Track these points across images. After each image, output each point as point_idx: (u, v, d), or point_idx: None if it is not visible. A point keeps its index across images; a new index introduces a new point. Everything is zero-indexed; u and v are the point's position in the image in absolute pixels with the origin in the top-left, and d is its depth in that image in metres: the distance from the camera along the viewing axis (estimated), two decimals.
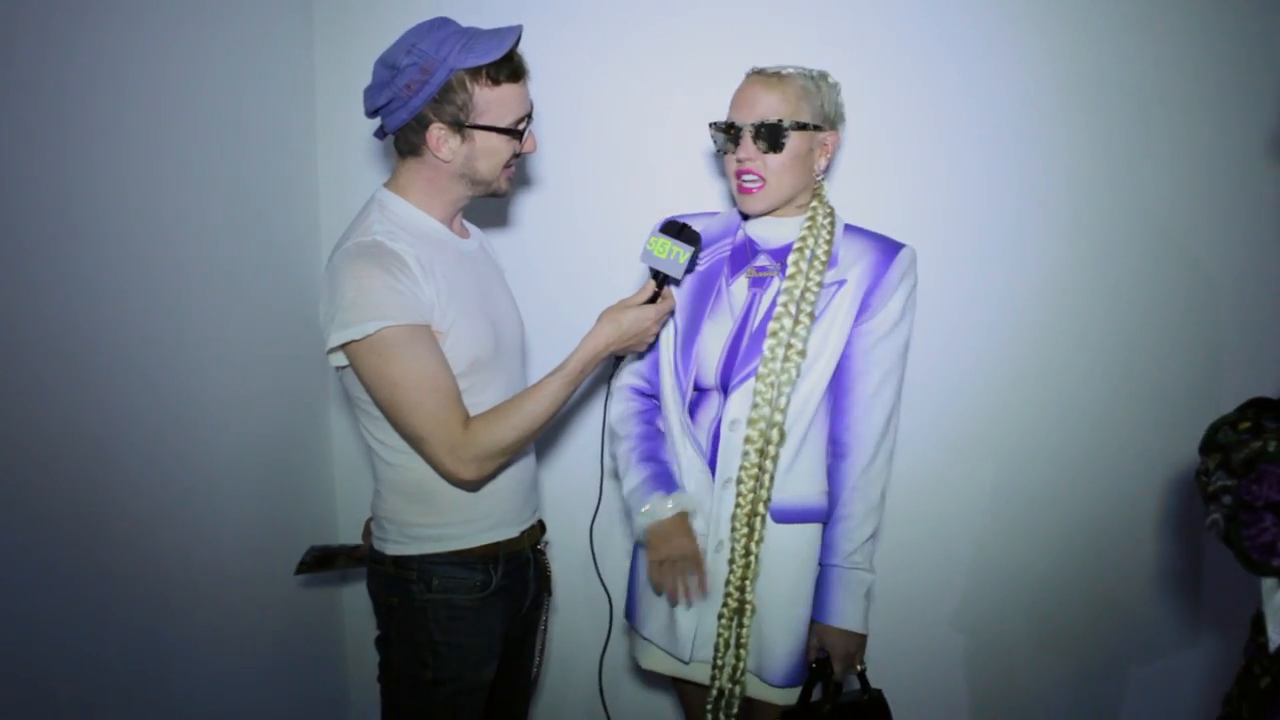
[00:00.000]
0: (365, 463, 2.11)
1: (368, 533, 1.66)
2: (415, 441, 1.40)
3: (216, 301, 1.81)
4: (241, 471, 1.90)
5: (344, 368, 1.43)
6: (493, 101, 1.41)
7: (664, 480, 1.58)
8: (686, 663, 1.61)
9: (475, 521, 1.50)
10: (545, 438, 2.16)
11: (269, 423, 2.01)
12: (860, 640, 1.57)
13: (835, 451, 1.58)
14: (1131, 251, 1.98)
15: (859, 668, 1.60)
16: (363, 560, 1.70)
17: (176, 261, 1.70)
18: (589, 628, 2.16)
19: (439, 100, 1.38)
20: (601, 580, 1.74)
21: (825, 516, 1.58)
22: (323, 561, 1.81)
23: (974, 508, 2.11)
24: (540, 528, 1.66)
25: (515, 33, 1.40)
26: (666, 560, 1.52)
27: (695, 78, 2.00)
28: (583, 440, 2.21)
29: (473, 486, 1.47)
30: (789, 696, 1.58)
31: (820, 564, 1.58)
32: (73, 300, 1.45)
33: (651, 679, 2.27)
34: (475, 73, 1.38)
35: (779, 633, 1.55)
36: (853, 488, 1.55)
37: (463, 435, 1.37)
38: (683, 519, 1.54)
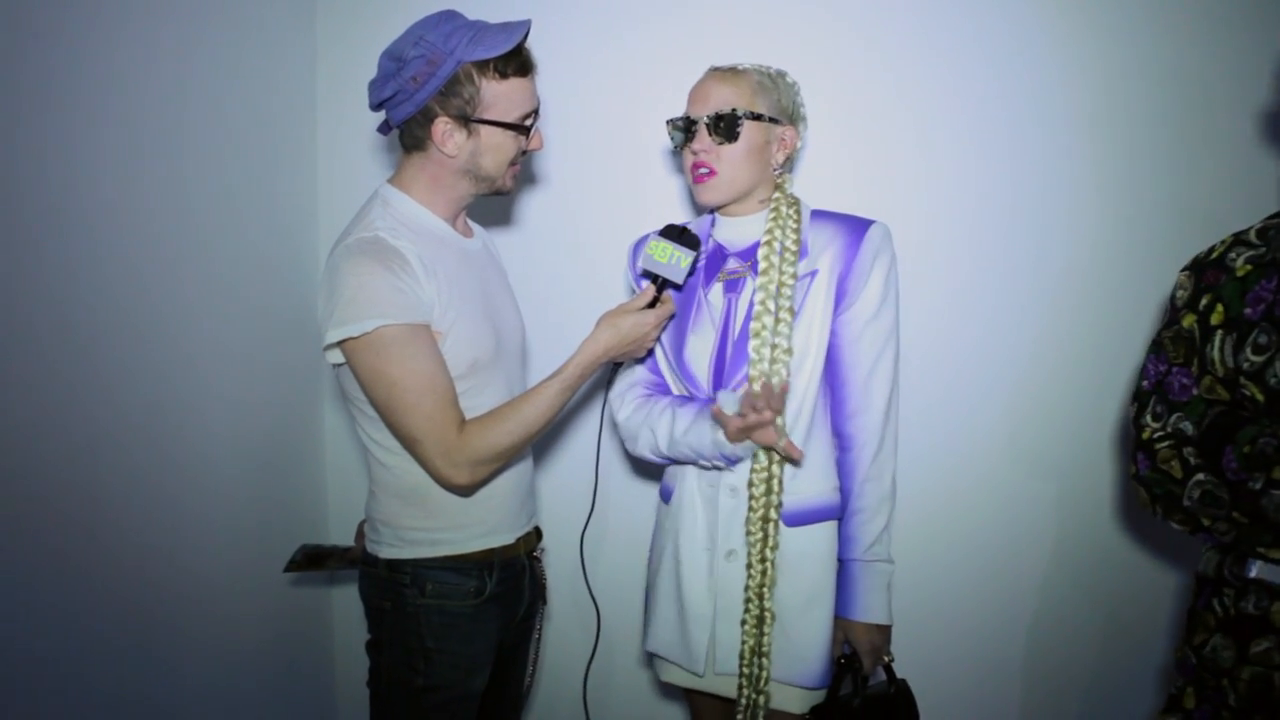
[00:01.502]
0: (359, 463, 2.09)
1: (360, 535, 1.63)
2: (409, 443, 1.38)
3: (209, 299, 1.80)
4: (232, 471, 1.88)
5: (341, 365, 1.41)
6: (500, 95, 1.39)
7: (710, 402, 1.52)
8: (701, 675, 1.58)
9: (471, 526, 1.48)
10: (540, 444, 2.14)
11: (261, 422, 1.99)
12: (886, 632, 1.56)
13: (840, 445, 1.56)
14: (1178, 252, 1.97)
15: (886, 659, 1.59)
16: (355, 562, 1.67)
17: (169, 259, 1.68)
18: (580, 638, 2.14)
19: (445, 93, 1.36)
20: (590, 591, 1.72)
21: (839, 512, 1.56)
22: (313, 560, 1.78)
23: (1001, 498, 2.08)
24: (536, 534, 1.64)
25: (524, 27, 1.39)
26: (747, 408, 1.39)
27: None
28: (577, 448, 2.19)
29: (466, 491, 1.44)
30: (808, 701, 1.56)
31: (840, 559, 1.55)
32: (63, 296, 1.44)
33: (641, 693, 2.24)
34: (483, 66, 1.37)
35: (808, 636, 1.53)
36: (864, 479, 1.53)
37: (457, 439, 1.35)
38: None
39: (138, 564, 1.60)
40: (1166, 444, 1.28)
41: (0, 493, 1.32)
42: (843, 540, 1.56)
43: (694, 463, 1.55)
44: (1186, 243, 1.94)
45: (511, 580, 1.53)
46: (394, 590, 1.46)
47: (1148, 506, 1.33)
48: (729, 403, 1.42)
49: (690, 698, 1.73)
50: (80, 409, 1.47)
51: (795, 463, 1.48)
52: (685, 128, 1.53)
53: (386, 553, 1.47)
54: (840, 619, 1.55)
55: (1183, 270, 1.36)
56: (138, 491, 1.60)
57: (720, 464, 1.51)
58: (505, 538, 1.52)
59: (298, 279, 2.09)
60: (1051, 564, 2.08)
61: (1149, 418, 1.31)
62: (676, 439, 1.52)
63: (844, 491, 1.56)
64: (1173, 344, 1.31)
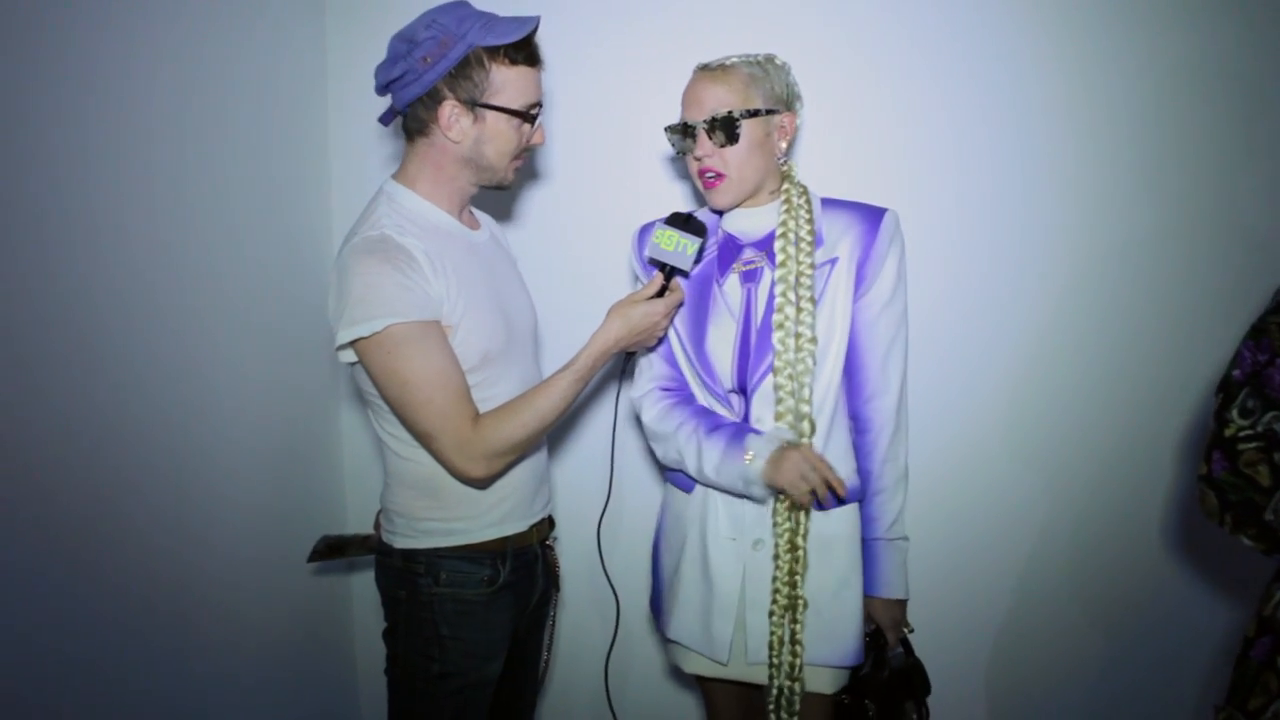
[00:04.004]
0: (375, 456, 2.11)
1: (378, 525, 1.66)
2: (424, 439, 1.39)
3: (228, 295, 1.81)
4: (251, 465, 1.90)
5: (355, 364, 1.42)
6: (508, 81, 1.40)
7: (744, 431, 1.51)
8: (725, 664, 1.60)
9: (483, 516, 1.50)
10: (555, 434, 2.15)
11: (279, 416, 2.01)
12: (904, 606, 1.61)
13: (857, 427, 1.58)
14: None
15: (907, 630, 1.64)
16: (375, 549, 1.70)
17: (188, 255, 1.70)
18: (599, 626, 2.15)
19: (455, 75, 1.38)
20: (609, 580, 1.73)
21: (860, 494, 1.58)
22: (335, 549, 1.82)
23: (1013, 483, 2.09)
24: (549, 523, 1.65)
25: (535, 20, 1.41)
26: (798, 476, 1.43)
27: None
28: (592, 437, 2.20)
29: (482, 484, 1.46)
30: (836, 680, 1.58)
31: (862, 538, 1.58)
32: (85, 295, 1.46)
33: (659, 679, 2.26)
34: (494, 51, 1.38)
35: (842, 616, 1.55)
36: (882, 460, 1.57)
37: (472, 433, 1.36)
38: (787, 446, 1.47)
39: (161, 556, 1.63)
40: (1254, 445, 1.12)
41: (26, 489, 1.35)
42: (865, 520, 1.59)
43: None
44: (1198, 238, 1.94)
45: (524, 568, 1.55)
46: (409, 579, 1.48)
47: (1215, 514, 1.16)
48: (761, 449, 1.45)
49: (704, 685, 1.74)
50: (103, 406, 1.49)
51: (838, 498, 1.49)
52: (684, 133, 1.53)
53: (401, 543, 1.49)
54: (864, 596, 1.58)
55: None
56: (160, 485, 1.62)
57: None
58: (518, 526, 1.53)
59: (313, 274, 2.10)
60: (1066, 545, 2.08)
61: (1236, 412, 1.13)
62: (706, 474, 1.52)
63: (862, 473, 1.58)
64: None
